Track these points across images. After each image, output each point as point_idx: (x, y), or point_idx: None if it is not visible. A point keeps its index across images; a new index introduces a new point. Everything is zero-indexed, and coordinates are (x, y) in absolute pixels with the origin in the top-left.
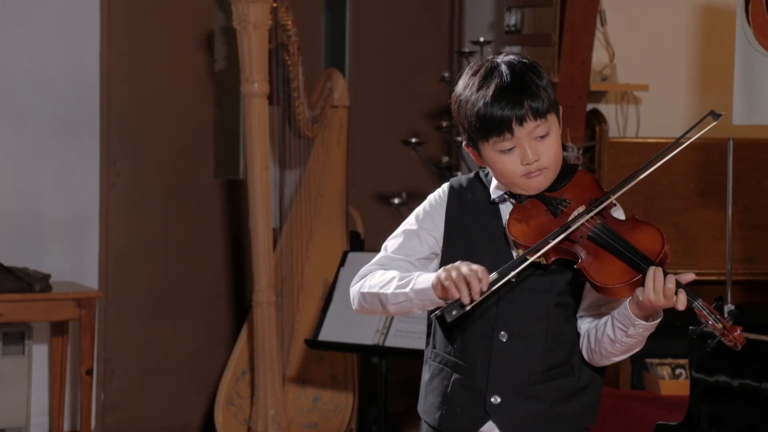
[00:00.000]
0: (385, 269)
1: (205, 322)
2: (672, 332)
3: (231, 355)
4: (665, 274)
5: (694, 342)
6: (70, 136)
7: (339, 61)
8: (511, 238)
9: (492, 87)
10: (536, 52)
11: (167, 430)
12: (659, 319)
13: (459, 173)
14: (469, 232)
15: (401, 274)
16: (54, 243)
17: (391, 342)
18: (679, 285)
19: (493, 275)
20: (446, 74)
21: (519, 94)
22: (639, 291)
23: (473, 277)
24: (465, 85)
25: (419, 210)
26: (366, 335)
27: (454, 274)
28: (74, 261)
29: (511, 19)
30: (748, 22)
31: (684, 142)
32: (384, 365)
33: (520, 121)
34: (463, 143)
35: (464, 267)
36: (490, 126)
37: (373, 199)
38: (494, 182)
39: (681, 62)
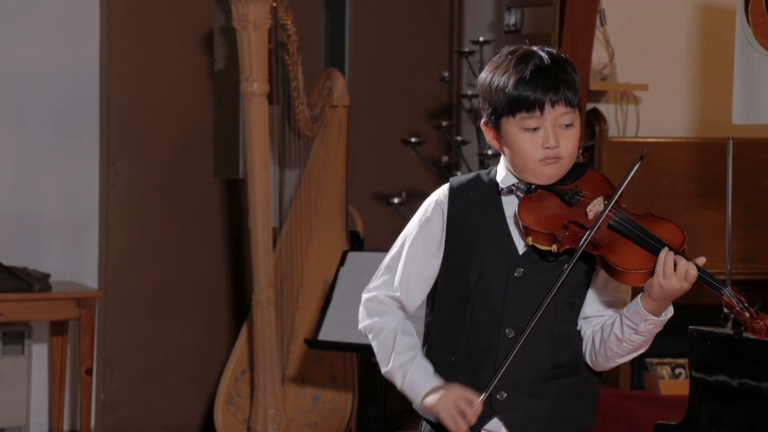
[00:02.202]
0: (390, 314)
1: (205, 322)
2: (672, 332)
3: (231, 354)
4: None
5: (694, 342)
6: (70, 136)
7: (339, 60)
8: (523, 224)
9: (531, 66)
10: None
11: (167, 430)
12: (670, 316)
13: (459, 173)
14: (470, 228)
15: (399, 347)
16: (54, 243)
17: None
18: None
19: (483, 396)
20: (446, 74)
21: (557, 78)
22: (655, 278)
23: (465, 405)
24: (498, 64)
25: (418, 218)
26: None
27: (450, 408)
28: (74, 261)
29: (511, 18)
30: (748, 22)
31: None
32: None
33: (553, 103)
34: (482, 121)
35: (453, 398)
36: (522, 101)
37: (372, 198)
38: (502, 174)
39: (681, 62)
